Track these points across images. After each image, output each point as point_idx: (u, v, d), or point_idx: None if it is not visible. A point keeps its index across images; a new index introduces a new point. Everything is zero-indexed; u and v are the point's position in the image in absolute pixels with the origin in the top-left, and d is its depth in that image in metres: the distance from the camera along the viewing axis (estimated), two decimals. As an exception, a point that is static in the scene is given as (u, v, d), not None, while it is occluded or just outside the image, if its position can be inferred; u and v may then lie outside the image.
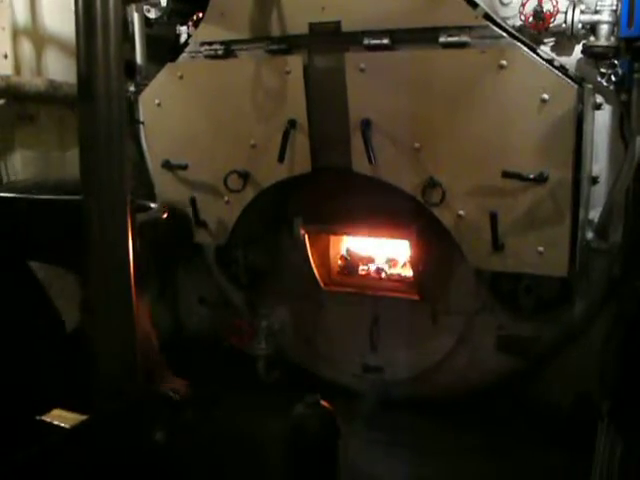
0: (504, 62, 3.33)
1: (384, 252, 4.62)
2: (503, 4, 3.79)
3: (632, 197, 3.42)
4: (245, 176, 4.04)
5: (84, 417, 1.86)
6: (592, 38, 3.57)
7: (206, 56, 4.01)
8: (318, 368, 4.56)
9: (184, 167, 4.16)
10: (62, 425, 1.81)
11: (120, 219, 1.62)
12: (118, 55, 1.62)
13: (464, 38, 3.41)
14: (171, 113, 4.16)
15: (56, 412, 1.87)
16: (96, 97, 1.60)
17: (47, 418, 1.81)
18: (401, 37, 3.55)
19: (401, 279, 4.48)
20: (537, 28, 3.60)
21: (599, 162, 3.75)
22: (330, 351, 4.52)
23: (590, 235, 3.75)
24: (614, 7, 3.52)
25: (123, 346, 1.73)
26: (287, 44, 3.80)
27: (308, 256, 4.41)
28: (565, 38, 3.65)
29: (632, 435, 2.05)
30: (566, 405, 3.83)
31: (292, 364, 4.61)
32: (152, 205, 2.01)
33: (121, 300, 1.68)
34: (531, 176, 3.36)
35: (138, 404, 1.76)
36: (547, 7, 3.55)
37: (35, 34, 4.12)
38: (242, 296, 4.77)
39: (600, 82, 3.63)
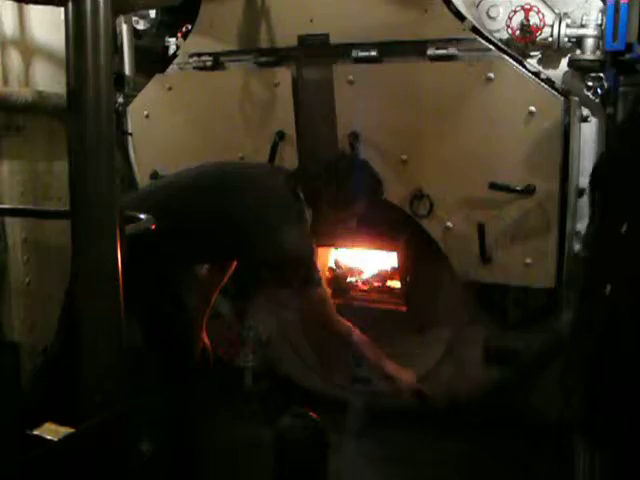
0: (491, 75, 3.36)
1: (372, 264, 4.62)
2: (490, 17, 3.81)
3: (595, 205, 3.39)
4: (233, 187, 4.03)
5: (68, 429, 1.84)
6: (578, 51, 3.60)
7: (195, 67, 4.02)
8: (305, 379, 4.55)
9: (172, 178, 4.15)
10: (44, 437, 1.79)
11: (109, 230, 1.62)
12: (108, 66, 1.62)
13: (452, 51, 3.44)
14: (159, 124, 4.16)
15: (48, 426, 1.85)
16: (85, 108, 1.60)
17: (38, 432, 1.78)
18: (389, 50, 3.58)
19: (389, 290, 4.48)
20: (524, 41, 3.64)
21: (585, 174, 3.77)
22: (318, 363, 4.51)
23: (577, 247, 3.77)
24: (599, 21, 3.56)
25: (110, 359, 1.72)
26: (276, 56, 3.81)
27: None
28: (551, 51, 3.68)
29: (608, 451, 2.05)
30: (554, 416, 3.83)
31: (279, 375, 4.60)
32: (141, 216, 2.00)
33: (109, 311, 1.68)
34: (518, 188, 3.39)
35: (124, 415, 1.75)
36: (534, 21, 3.58)
37: (23, 45, 4.10)
38: (230, 307, 4.75)
39: (586, 95, 3.67)
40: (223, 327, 4.69)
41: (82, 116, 1.60)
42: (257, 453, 3.17)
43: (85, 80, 1.58)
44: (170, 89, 4.06)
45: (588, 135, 3.73)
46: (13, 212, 2.97)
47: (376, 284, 4.56)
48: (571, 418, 2.20)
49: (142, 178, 4.29)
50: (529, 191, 3.39)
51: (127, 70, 4.47)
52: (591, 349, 2.04)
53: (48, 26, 4.18)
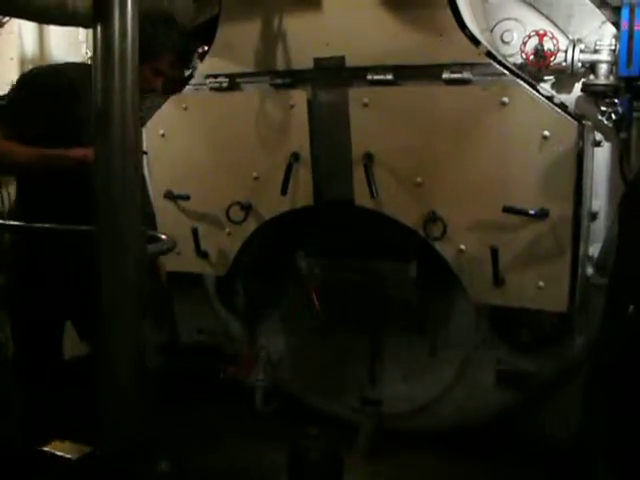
0: (506, 99, 3.38)
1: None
2: (504, 42, 3.86)
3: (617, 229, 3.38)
4: (247, 208, 4.05)
5: (87, 448, 1.86)
6: (592, 76, 3.64)
7: (211, 88, 4.05)
8: (316, 400, 4.55)
9: (186, 198, 4.18)
10: (63, 455, 1.80)
11: (133, 250, 1.64)
12: (135, 87, 1.64)
13: (466, 75, 3.46)
14: (175, 144, 4.19)
15: (56, 443, 1.85)
16: (112, 128, 1.62)
17: (47, 448, 1.80)
18: (404, 73, 3.59)
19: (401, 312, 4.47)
20: (538, 66, 3.67)
21: (599, 198, 3.80)
22: (329, 384, 4.51)
23: (590, 271, 3.78)
24: (613, 47, 3.60)
25: (131, 378, 1.73)
26: (292, 78, 3.84)
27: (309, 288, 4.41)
28: (565, 76, 3.72)
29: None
30: (565, 440, 3.82)
31: (290, 396, 4.59)
32: (162, 237, 2.02)
33: (131, 330, 1.69)
34: (532, 212, 3.39)
35: (143, 434, 1.76)
36: (548, 46, 3.62)
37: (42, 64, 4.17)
38: (241, 327, 4.76)
39: (600, 120, 3.69)
40: (234, 347, 4.71)
41: (109, 136, 1.62)
42: (270, 474, 3.16)
43: (112, 100, 1.61)
44: (186, 109, 4.09)
45: (601, 160, 3.75)
46: (39, 230, 2.97)
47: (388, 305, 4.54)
48: (590, 441, 2.19)
49: (156, 197, 4.31)
50: (543, 215, 3.39)
51: (143, 90, 4.51)
52: (612, 367, 2.04)
53: (65, 47, 4.24)
